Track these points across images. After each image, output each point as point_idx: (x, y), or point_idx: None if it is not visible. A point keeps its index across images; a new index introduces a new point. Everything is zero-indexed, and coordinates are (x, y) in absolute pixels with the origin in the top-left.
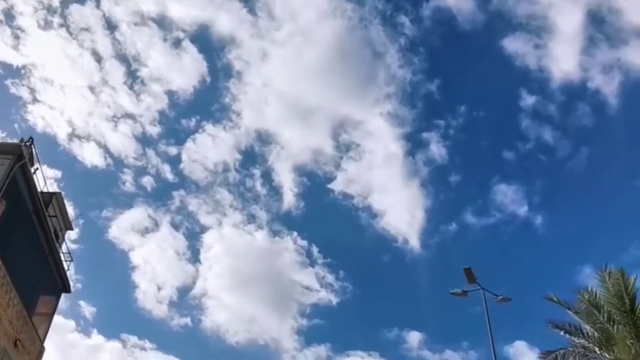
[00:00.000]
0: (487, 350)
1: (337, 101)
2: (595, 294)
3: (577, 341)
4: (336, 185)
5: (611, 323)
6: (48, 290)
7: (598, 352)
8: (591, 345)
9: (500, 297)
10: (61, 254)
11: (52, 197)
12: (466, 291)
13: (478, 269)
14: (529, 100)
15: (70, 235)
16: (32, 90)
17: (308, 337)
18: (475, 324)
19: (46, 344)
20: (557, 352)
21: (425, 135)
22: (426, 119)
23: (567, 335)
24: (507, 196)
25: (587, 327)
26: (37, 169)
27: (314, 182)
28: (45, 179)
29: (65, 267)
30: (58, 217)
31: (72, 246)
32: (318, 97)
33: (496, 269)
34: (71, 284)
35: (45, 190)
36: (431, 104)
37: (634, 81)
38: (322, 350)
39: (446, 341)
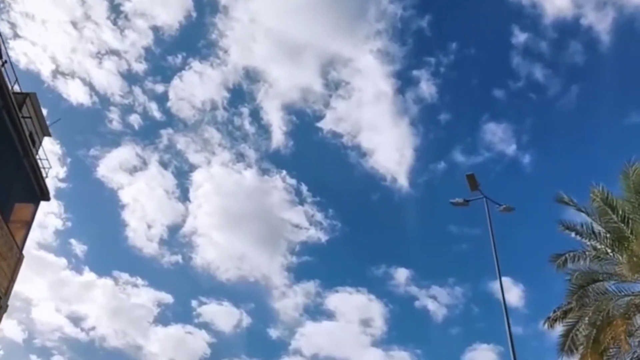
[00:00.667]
0: (472, 286)
1: (326, 38)
2: (608, 194)
3: (588, 243)
4: (325, 124)
5: (626, 223)
6: (25, 197)
7: (610, 254)
8: (603, 247)
9: (503, 206)
10: (38, 160)
11: (25, 98)
12: (468, 200)
13: (466, 206)
14: (520, 37)
15: (59, 173)
16: (12, 25)
17: (297, 273)
18: (460, 261)
19: (38, 281)
20: (566, 255)
21: (415, 73)
22: (416, 56)
23: (578, 237)
24: (496, 135)
25: (599, 228)
26: (5, 61)
27: (302, 121)
28: (17, 77)
29: (44, 173)
30: (33, 120)
31: (61, 185)
32: (307, 34)
33: (484, 207)
34: (50, 192)
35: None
36: (422, 40)
37: (627, 18)
38: (311, 286)
39: (433, 277)
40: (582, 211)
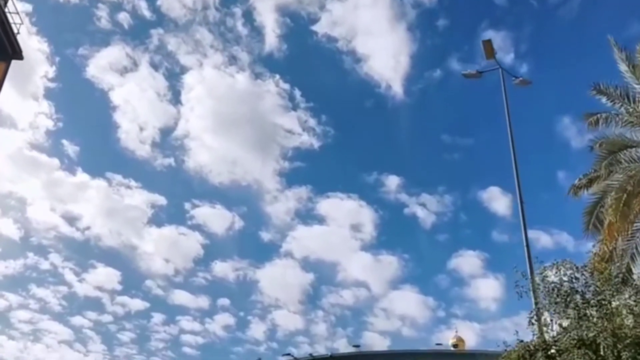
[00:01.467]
0: (461, 195)
1: None
2: None
3: (620, 109)
4: (320, 27)
5: None
6: None
7: None
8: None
9: (520, 79)
10: (8, 14)
11: None
12: (481, 72)
13: (460, 116)
14: None
15: (48, 73)
16: None
17: (289, 179)
18: (451, 170)
19: (32, 181)
20: (599, 115)
21: None
22: None
23: (609, 103)
24: (495, 43)
25: (637, 87)
26: None
27: (297, 24)
28: None
29: (15, 29)
30: None
31: (50, 85)
32: None
33: (479, 116)
34: (23, 50)
35: None
36: None
37: None
38: (303, 191)
39: (423, 185)
40: (625, 63)
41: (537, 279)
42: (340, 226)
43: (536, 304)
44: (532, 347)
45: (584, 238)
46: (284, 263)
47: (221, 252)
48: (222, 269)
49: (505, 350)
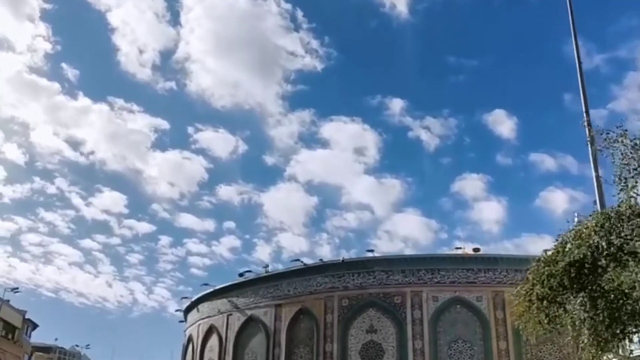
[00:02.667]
0: (466, 118)
1: None
2: None
3: None
4: None
5: None
6: None
7: None
8: None
9: None
10: None
11: None
12: None
13: (466, 36)
14: None
15: None
16: None
17: (292, 102)
18: (456, 93)
19: (33, 105)
20: None
21: None
22: None
23: None
24: None
25: None
26: None
27: None
28: None
29: None
30: None
31: (46, 6)
32: None
33: (485, 35)
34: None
35: None
36: None
37: None
38: (306, 115)
39: (427, 108)
40: None
41: (616, 134)
42: (344, 150)
43: (625, 165)
44: (614, 214)
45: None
46: (288, 186)
47: (225, 176)
48: (227, 192)
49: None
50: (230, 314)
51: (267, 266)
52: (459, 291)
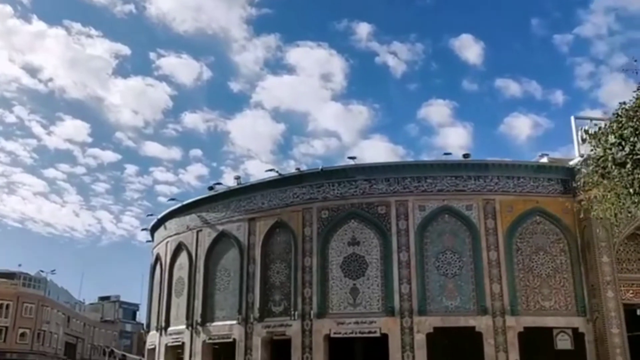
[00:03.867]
0: (433, 43)
1: None
2: None
3: None
4: None
5: None
6: None
7: None
8: None
9: None
10: None
11: None
12: None
13: None
14: None
15: None
16: None
17: (257, 26)
18: (424, 16)
19: None
20: None
21: None
22: None
23: None
24: None
25: None
26: None
27: None
28: None
29: None
30: None
31: None
32: None
33: None
34: None
35: None
36: None
37: None
38: (271, 40)
39: (394, 33)
40: None
41: None
42: (310, 76)
43: None
44: None
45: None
46: (254, 114)
47: (190, 103)
48: (192, 120)
49: None
50: (200, 230)
51: (239, 177)
52: (447, 200)
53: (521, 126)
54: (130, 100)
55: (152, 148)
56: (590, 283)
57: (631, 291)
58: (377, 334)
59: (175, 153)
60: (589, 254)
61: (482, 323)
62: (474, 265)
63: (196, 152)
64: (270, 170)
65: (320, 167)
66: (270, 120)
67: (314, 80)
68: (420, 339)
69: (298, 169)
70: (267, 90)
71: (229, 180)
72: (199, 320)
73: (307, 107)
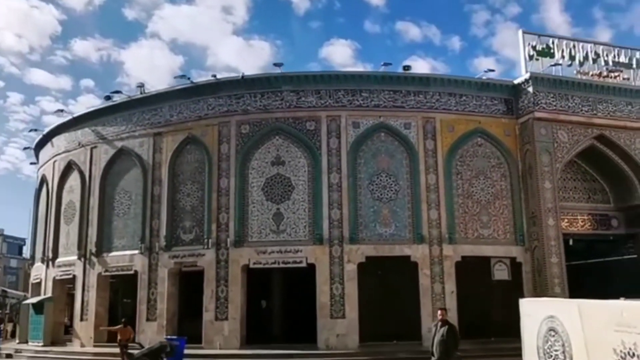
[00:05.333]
0: None
1: None
2: None
3: None
4: None
5: None
6: None
7: None
8: None
9: None
10: None
11: None
12: None
13: None
14: None
15: None
16: None
17: None
18: None
19: None
20: None
21: None
22: None
23: None
24: None
25: None
26: None
27: None
28: None
29: None
30: None
31: None
32: None
33: None
34: None
35: None
36: None
37: None
38: None
39: None
40: None
41: None
42: (211, 7)
43: None
44: None
45: None
46: (150, 44)
47: (81, 30)
48: (83, 47)
49: None
50: (95, 147)
51: (142, 85)
52: (385, 116)
53: (420, 70)
54: (13, 22)
55: (38, 76)
56: (531, 210)
57: (566, 220)
58: (303, 264)
59: (64, 82)
60: (530, 180)
61: (418, 252)
62: (411, 190)
63: (88, 82)
64: (181, 77)
65: (241, 74)
66: (168, 52)
67: (215, 12)
68: (351, 269)
69: (214, 75)
70: (164, 20)
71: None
72: (94, 250)
73: (207, 41)
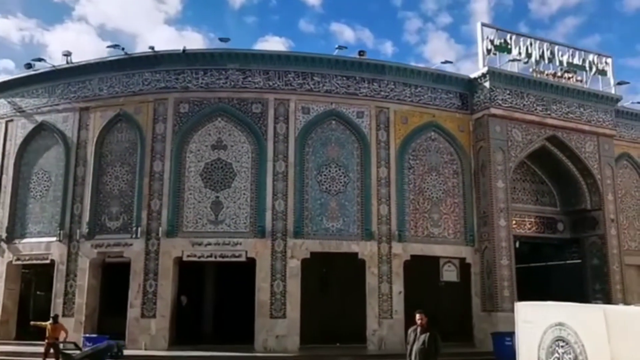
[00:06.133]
0: None
1: None
2: None
3: None
4: None
5: None
6: None
7: None
8: None
9: None
10: None
11: None
12: None
13: None
14: None
15: None
16: None
17: None
18: None
19: None
20: None
21: None
22: None
23: None
24: None
25: None
26: None
27: None
28: None
29: None
30: None
31: None
32: None
33: None
34: None
35: None
36: None
37: None
38: None
39: None
40: None
41: None
42: None
43: None
44: None
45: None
46: (77, 27)
47: (2, 6)
48: (4, 26)
49: None
50: (11, 120)
51: (69, 54)
52: (336, 103)
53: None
54: None
55: None
56: (482, 210)
57: (514, 222)
58: (243, 259)
59: None
60: (482, 178)
61: (366, 249)
62: (362, 183)
63: (7, 62)
64: (113, 46)
65: (182, 49)
66: (95, 37)
67: (147, 0)
68: (294, 265)
69: (152, 47)
70: (93, 3)
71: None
72: (4, 235)
73: (137, 28)
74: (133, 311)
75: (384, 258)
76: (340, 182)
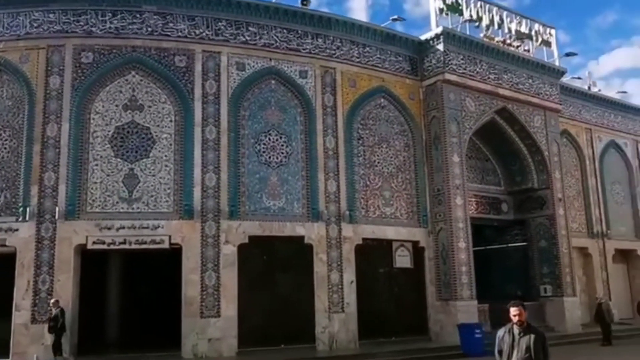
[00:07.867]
0: None
1: None
2: None
3: None
4: None
5: None
6: None
7: None
8: None
9: None
10: None
11: None
12: None
13: None
14: None
15: None
16: None
17: None
18: None
19: None
20: None
21: None
22: None
23: None
24: None
25: None
26: None
27: None
28: None
29: None
30: None
31: None
32: None
33: None
34: None
35: None
36: None
37: None
38: None
39: None
40: None
41: None
42: None
43: None
44: None
45: None
46: None
47: None
48: None
49: None
50: None
51: None
52: (276, 59)
53: None
54: None
55: None
56: (436, 187)
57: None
58: (165, 245)
59: None
60: (435, 152)
61: (313, 232)
62: (306, 154)
63: None
64: None
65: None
66: None
67: None
68: (229, 252)
69: None
70: None
71: None
72: None
73: None
74: (20, 316)
75: (334, 242)
76: (282, 153)
